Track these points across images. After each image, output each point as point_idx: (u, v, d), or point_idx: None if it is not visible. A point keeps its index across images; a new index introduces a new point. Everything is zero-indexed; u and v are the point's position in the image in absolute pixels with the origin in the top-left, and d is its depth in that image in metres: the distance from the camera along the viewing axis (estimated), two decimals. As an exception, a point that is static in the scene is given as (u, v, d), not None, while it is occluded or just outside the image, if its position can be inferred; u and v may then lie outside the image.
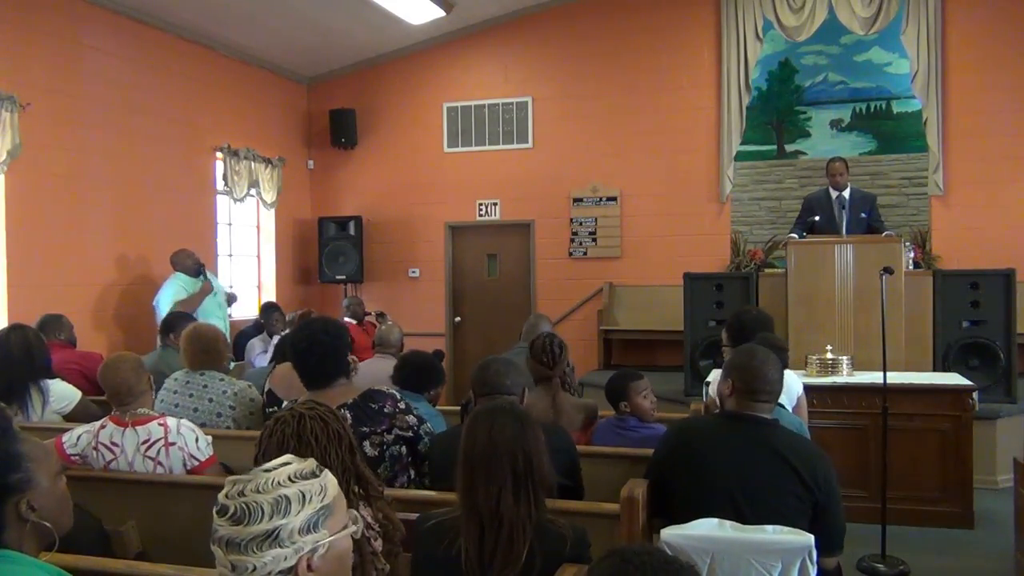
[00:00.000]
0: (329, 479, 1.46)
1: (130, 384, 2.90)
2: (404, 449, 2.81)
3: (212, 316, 6.29)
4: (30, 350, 3.72)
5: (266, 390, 3.67)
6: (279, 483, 1.40)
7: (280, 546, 1.35)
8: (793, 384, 3.58)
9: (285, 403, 3.51)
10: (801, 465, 2.40)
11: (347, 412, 2.71)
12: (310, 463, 1.48)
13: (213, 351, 3.77)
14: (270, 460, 1.85)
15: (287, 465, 1.44)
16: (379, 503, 1.99)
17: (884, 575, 4.00)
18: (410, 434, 2.80)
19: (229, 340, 6.47)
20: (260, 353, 6.19)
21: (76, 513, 1.85)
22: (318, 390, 2.79)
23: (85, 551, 2.02)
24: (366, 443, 2.69)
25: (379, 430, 2.74)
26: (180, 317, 5.03)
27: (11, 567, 1.43)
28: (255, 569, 1.34)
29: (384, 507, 2.00)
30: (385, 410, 2.78)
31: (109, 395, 2.93)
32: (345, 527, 1.45)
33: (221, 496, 1.39)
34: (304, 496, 1.40)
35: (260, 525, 1.35)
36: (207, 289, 6.33)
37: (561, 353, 3.46)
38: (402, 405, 2.84)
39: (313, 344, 2.78)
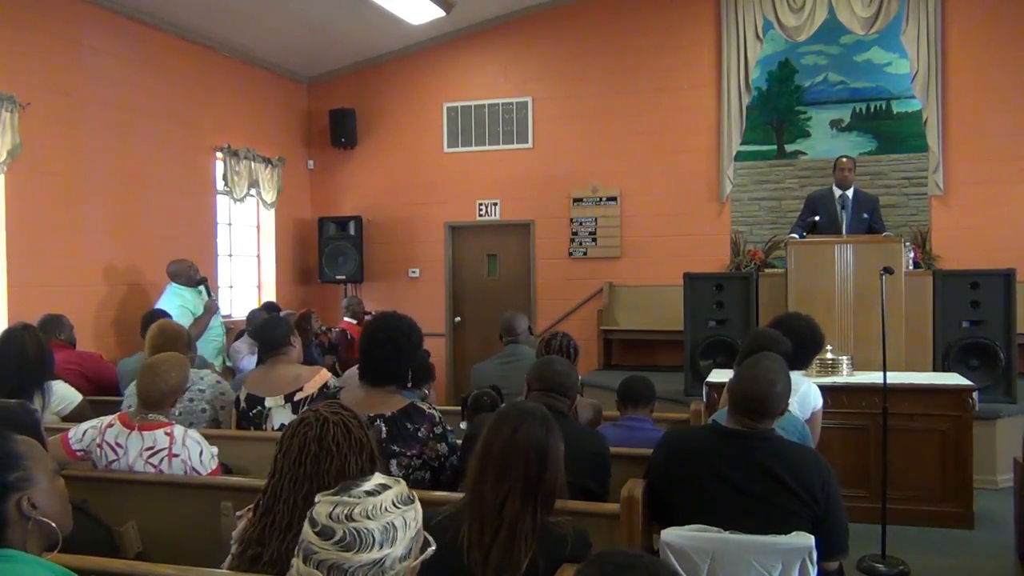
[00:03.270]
0: (418, 505, 1.46)
1: (169, 394, 2.92)
2: (427, 476, 2.77)
3: (213, 331, 6.20)
4: (42, 351, 3.72)
5: (244, 396, 3.65)
6: (386, 509, 1.38)
7: (383, 574, 1.34)
8: (812, 398, 3.53)
9: (268, 399, 3.52)
10: (795, 480, 2.35)
11: (383, 425, 2.68)
12: (403, 486, 1.46)
13: (172, 348, 3.71)
14: (290, 461, 1.85)
15: (388, 489, 1.43)
16: None
17: (884, 575, 4.00)
18: (436, 464, 2.77)
19: (226, 347, 6.44)
20: (247, 356, 5.87)
21: (75, 513, 1.85)
22: (369, 387, 2.79)
23: (85, 551, 2.02)
24: (393, 462, 2.67)
25: (409, 453, 2.70)
26: (162, 316, 5.01)
27: (14, 566, 1.43)
28: None
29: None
30: (419, 434, 2.73)
31: (142, 397, 2.90)
32: (423, 549, 1.45)
33: (322, 517, 1.36)
34: (407, 524, 1.39)
35: (370, 554, 1.33)
36: (212, 309, 6.14)
37: (576, 355, 3.49)
38: (438, 430, 2.78)
39: (390, 341, 2.78)
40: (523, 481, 1.92)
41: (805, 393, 3.50)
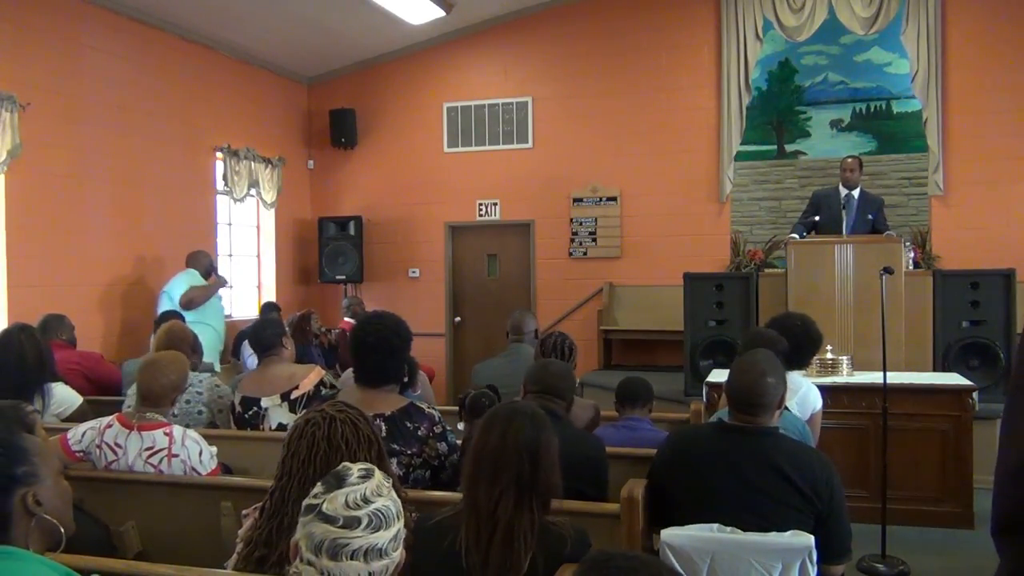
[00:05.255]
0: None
1: (169, 391, 2.94)
2: (427, 474, 2.78)
3: (214, 318, 6.25)
4: (40, 352, 3.72)
5: (239, 400, 3.65)
6: (385, 486, 1.46)
7: (400, 544, 1.45)
8: (812, 398, 3.54)
9: (264, 400, 3.53)
10: (799, 477, 2.34)
11: (383, 424, 2.68)
12: (373, 466, 1.55)
13: (177, 349, 3.77)
14: (299, 461, 1.88)
15: (372, 469, 1.50)
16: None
17: (884, 575, 4.00)
18: (436, 462, 2.77)
19: (225, 341, 6.48)
20: (251, 355, 6.04)
21: (75, 513, 1.84)
22: (367, 388, 2.79)
23: (85, 551, 2.02)
24: (394, 460, 2.66)
25: (408, 452, 2.70)
26: (173, 318, 5.03)
27: (17, 564, 1.42)
28: (387, 570, 1.40)
29: (407, 515, 2.00)
30: (419, 433, 2.73)
31: (142, 393, 2.92)
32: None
33: (340, 510, 1.40)
34: (396, 497, 1.48)
35: (393, 528, 1.42)
36: (220, 283, 6.45)
37: (572, 354, 3.47)
38: (438, 429, 2.78)
39: (381, 341, 2.77)
40: (515, 482, 1.91)
41: (805, 394, 3.50)
